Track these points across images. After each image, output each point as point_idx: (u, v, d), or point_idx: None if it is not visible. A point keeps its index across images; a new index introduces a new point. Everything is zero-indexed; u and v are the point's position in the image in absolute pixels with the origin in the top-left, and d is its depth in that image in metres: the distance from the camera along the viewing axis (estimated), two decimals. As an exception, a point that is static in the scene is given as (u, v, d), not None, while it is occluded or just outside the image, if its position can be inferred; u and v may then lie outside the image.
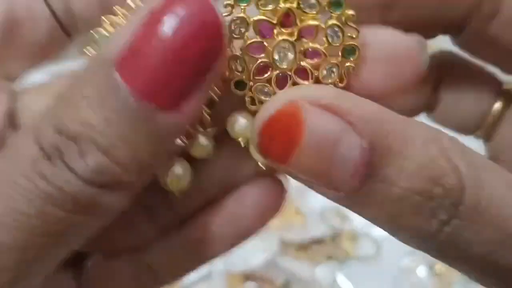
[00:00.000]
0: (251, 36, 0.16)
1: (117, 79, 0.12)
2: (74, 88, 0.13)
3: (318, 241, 0.54)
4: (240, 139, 0.17)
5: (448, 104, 0.21)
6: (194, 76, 0.13)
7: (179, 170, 0.17)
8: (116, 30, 0.14)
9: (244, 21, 0.16)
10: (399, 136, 0.14)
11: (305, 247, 0.53)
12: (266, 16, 0.16)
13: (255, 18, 0.16)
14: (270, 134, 0.14)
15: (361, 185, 0.14)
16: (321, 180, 0.14)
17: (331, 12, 0.16)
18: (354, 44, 0.16)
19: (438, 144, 0.14)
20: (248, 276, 0.51)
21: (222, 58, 0.13)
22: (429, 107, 0.22)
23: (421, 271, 0.52)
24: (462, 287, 0.51)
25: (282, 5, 0.16)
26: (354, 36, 0.16)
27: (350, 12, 0.16)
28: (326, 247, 0.53)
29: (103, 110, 0.12)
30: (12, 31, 0.17)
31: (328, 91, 0.15)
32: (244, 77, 0.16)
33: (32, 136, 0.13)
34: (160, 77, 0.12)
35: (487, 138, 0.22)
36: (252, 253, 0.52)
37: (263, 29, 0.16)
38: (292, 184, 0.59)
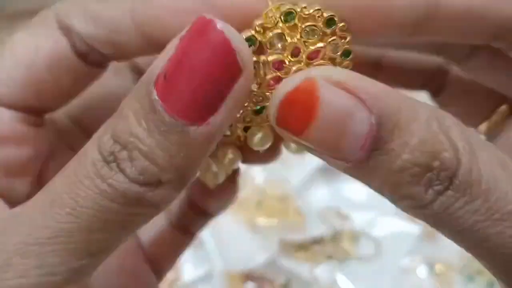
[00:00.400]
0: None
1: (156, 99, 0.15)
2: (127, 102, 0.16)
3: (318, 241, 0.54)
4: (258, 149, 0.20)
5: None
6: (215, 96, 0.15)
7: (216, 169, 0.21)
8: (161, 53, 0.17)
9: (257, 63, 0.18)
10: (405, 113, 0.16)
11: (305, 247, 0.53)
12: (277, 54, 0.18)
13: (271, 59, 0.18)
14: (288, 108, 0.16)
15: (368, 157, 0.16)
16: (332, 151, 0.16)
17: (327, 28, 0.18)
18: (349, 48, 0.18)
19: (440, 123, 0.16)
20: (248, 276, 0.51)
21: (242, 79, 0.16)
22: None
23: (421, 271, 0.52)
24: (462, 287, 0.51)
25: (289, 40, 0.18)
26: (347, 40, 0.18)
27: (341, 24, 0.18)
28: (326, 247, 0.54)
29: (145, 124, 0.15)
30: None
31: (341, 71, 0.17)
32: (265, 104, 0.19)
33: (96, 143, 0.16)
34: (187, 98, 0.15)
35: (489, 140, 0.23)
36: (252, 253, 0.52)
37: (276, 63, 0.18)
38: (292, 184, 0.59)
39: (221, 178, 0.22)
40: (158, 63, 0.16)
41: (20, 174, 0.20)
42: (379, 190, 0.17)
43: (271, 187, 0.57)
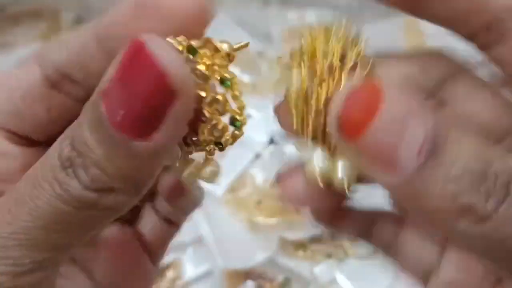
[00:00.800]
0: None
1: (102, 111, 0.16)
2: (84, 108, 0.17)
3: (317, 240, 0.54)
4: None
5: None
6: (154, 117, 0.15)
7: (211, 169, 0.20)
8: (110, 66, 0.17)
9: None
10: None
11: (305, 246, 0.53)
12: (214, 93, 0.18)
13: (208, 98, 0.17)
14: (349, 110, 0.16)
15: (425, 162, 0.15)
16: (386, 159, 0.16)
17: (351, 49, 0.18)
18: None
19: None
20: (247, 274, 0.51)
21: (179, 103, 0.15)
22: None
23: (420, 270, 0.52)
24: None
25: (324, 61, 0.18)
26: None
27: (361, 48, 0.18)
28: (326, 245, 0.53)
29: (95, 134, 0.16)
30: None
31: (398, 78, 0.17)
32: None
33: (57, 148, 0.17)
34: (128, 116, 0.15)
35: None
36: (252, 251, 0.52)
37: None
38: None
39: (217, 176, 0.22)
40: (105, 76, 0.16)
41: (10, 182, 0.20)
42: (431, 213, 0.16)
43: (271, 186, 0.57)
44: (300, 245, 0.53)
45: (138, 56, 0.15)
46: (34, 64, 0.20)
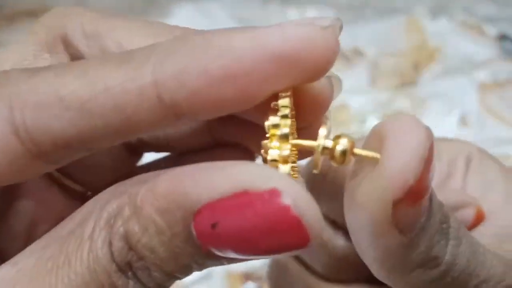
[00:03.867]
0: None
1: (194, 233, 0.13)
2: (146, 205, 0.14)
3: (318, 241, 0.54)
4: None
5: None
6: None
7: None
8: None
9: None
10: None
11: (305, 247, 0.53)
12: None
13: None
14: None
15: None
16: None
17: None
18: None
19: None
20: (248, 276, 0.51)
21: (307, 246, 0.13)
22: None
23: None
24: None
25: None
26: None
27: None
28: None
29: (170, 249, 0.14)
30: None
31: None
32: None
33: (107, 248, 0.14)
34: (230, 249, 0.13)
35: None
36: (252, 252, 0.52)
37: None
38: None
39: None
40: (204, 192, 0.13)
41: None
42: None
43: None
44: (300, 246, 0.53)
45: (278, 213, 0.12)
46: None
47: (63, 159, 0.16)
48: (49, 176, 0.19)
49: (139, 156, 0.20)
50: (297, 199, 0.12)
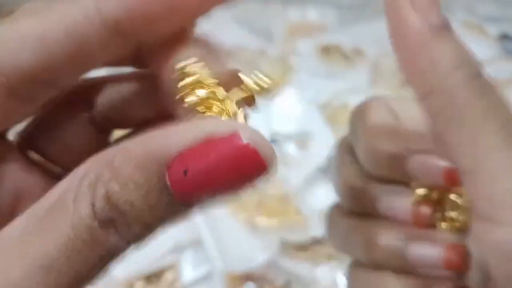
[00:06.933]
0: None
1: (168, 184, 0.15)
2: (123, 163, 0.15)
3: (318, 241, 0.54)
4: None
5: None
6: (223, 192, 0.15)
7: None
8: (176, 130, 0.16)
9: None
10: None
11: (306, 247, 0.53)
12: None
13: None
14: None
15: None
16: None
17: None
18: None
19: None
20: (248, 277, 0.51)
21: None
22: None
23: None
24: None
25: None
26: None
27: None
28: (327, 247, 0.53)
29: (149, 200, 0.15)
30: None
31: None
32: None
33: (89, 205, 0.15)
34: (201, 196, 0.15)
35: None
36: (252, 253, 0.52)
37: None
38: (292, 184, 0.58)
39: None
40: (174, 145, 0.15)
41: None
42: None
43: (271, 187, 0.56)
44: (301, 247, 0.53)
45: (231, 145, 0.15)
46: None
47: (36, 96, 0.18)
48: (29, 160, 0.21)
49: (108, 134, 0.22)
50: (254, 137, 0.15)
